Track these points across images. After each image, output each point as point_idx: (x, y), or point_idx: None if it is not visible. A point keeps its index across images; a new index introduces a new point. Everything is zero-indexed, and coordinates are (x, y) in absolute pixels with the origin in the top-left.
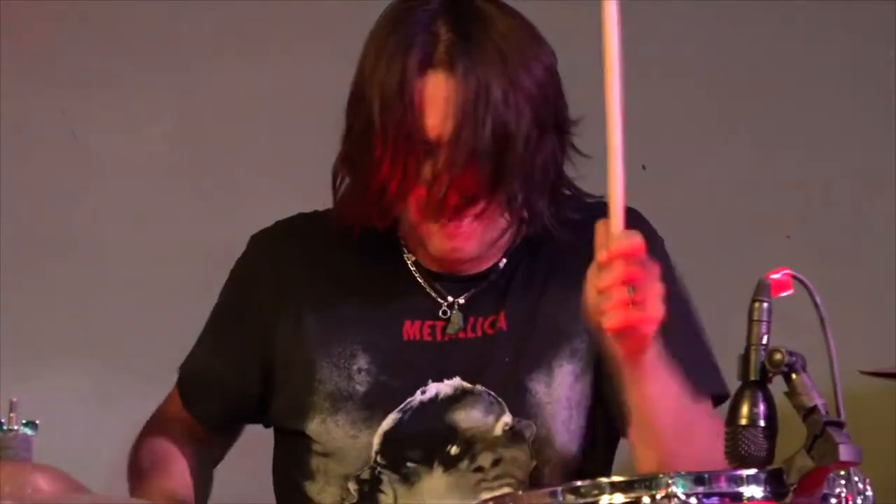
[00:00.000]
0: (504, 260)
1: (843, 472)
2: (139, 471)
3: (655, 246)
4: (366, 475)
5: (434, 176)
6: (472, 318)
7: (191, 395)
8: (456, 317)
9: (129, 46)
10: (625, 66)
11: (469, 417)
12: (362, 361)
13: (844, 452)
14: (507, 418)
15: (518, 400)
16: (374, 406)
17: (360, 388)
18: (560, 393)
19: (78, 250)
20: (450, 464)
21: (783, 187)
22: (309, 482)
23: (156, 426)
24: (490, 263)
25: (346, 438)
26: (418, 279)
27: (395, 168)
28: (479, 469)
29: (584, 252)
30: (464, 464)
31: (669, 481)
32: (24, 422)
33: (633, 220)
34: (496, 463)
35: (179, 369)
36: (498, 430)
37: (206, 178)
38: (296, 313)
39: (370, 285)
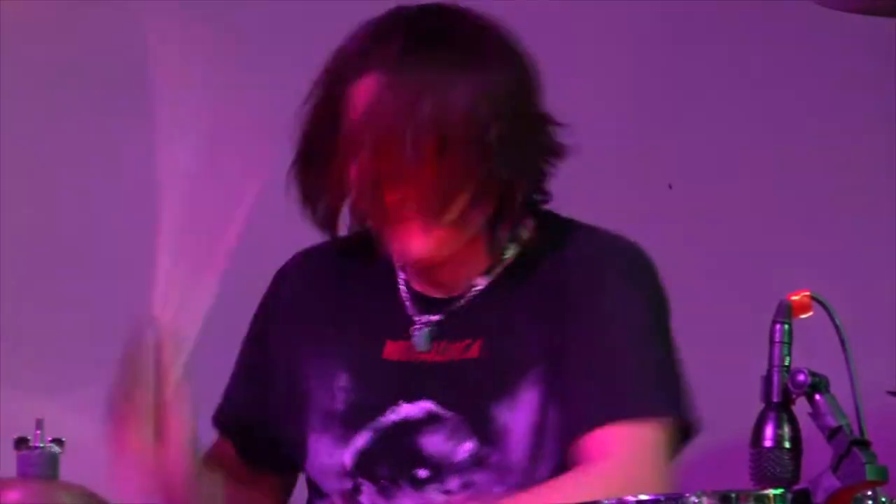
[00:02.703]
0: (479, 283)
1: (869, 492)
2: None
3: (611, 282)
4: (347, 485)
5: (361, 176)
6: (444, 342)
7: (243, 443)
8: (424, 336)
9: (152, 63)
10: (652, 86)
11: (433, 442)
12: (342, 379)
13: (871, 472)
14: (469, 444)
15: (482, 426)
16: (349, 423)
17: (339, 406)
18: (525, 419)
19: (106, 266)
20: (419, 486)
21: (808, 208)
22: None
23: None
24: (467, 286)
25: (327, 456)
26: (403, 299)
27: (332, 171)
28: (448, 492)
29: (557, 283)
30: (433, 486)
31: (695, 500)
32: (50, 439)
33: (596, 253)
34: (465, 486)
35: (220, 416)
36: (461, 456)
37: (233, 198)
38: (294, 336)
39: (362, 305)
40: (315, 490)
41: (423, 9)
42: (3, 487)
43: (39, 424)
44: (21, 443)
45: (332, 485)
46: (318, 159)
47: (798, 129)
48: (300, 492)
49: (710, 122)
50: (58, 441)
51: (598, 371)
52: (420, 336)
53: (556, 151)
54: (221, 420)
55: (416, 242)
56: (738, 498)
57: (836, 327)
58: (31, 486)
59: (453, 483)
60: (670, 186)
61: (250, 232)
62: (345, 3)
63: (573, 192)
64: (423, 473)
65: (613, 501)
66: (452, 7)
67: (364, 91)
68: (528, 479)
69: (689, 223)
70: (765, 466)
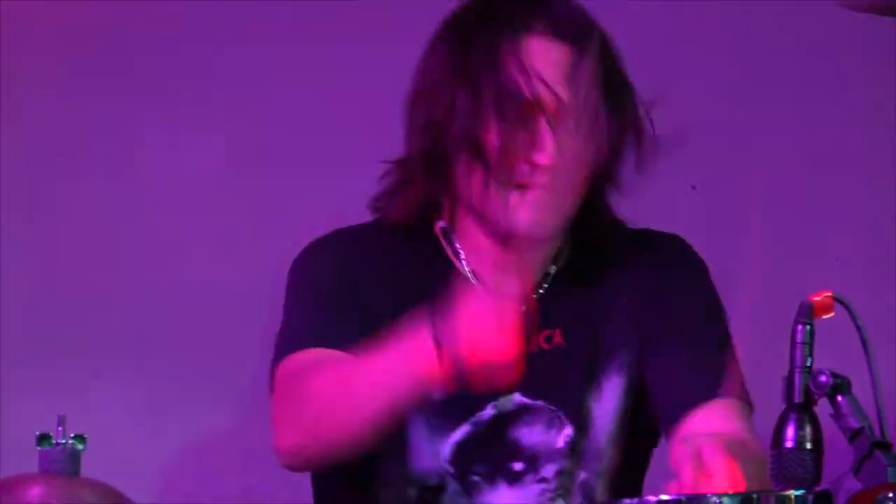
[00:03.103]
0: (553, 268)
1: (891, 494)
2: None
3: (698, 274)
4: (432, 482)
5: (532, 138)
6: (528, 333)
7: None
8: None
9: (181, 62)
10: (677, 87)
11: (532, 433)
12: None
13: (893, 474)
14: (568, 430)
15: (576, 413)
16: (448, 415)
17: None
18: (609, 406)
19: (129, 264)
20: (514, 479)
21: (831, 208)
22: (357, 483)
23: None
24: (540, 273)
25: (421, 443)
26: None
27: (510, 132)
28: (543, 479)
29: (628, 272)
30: (528, 477)
31: (717, 500)
32: (72, 436)
33: (675, 246)
34: (559, 473)
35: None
36: (560, 443)
37: (258, 194)
38: (380, 313)
39: (435, 296)
40: (357, 465)
41: None
42: (25, 483)
43: (61, 421)
44: (43, 439)
45: (419, 469)
46: (449, 118)
47: (824, 128)
48: (301, 490)
49: (733, 122)
50: (80, 437)
51: (708, 354)
52: None
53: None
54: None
55: (539, 214)
56: (759, 499)
57: (858, 328)
58: (52, 482)
59: (549, 471)
60: (694, 187)
61: (292, 244)
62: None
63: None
64: (518, 466)
65: (635, 501)
66: None
67: (548, 56)
68: (604, 465)
69: (711, 224)
70: (786, 467)
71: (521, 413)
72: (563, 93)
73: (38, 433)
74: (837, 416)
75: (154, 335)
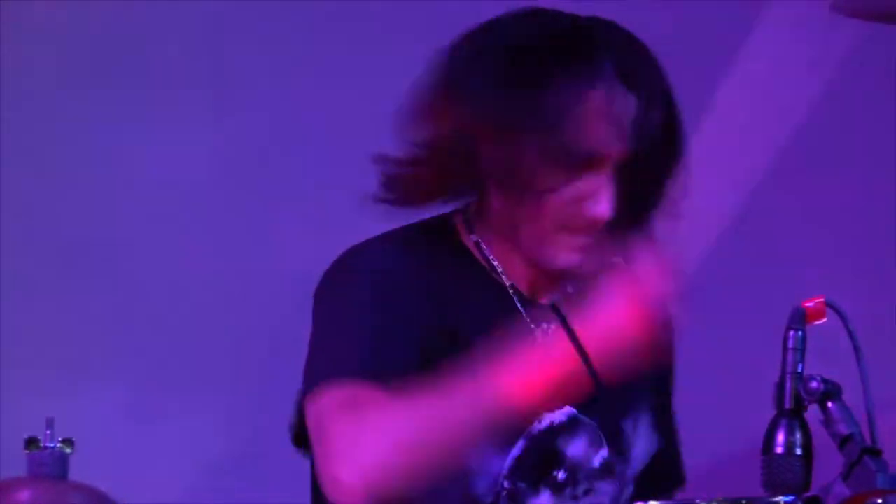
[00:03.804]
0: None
1: (880, 501)
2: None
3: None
4: (488, 500)
5: (589, 189)
6: None
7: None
8: None
9: (169, 63)
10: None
11: (576, 446)
12: None
13: (882, 480)
14: (604, 452)
15: (614, 435)
16: (507, 433)
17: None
18: (644, 438)
19: (116, 268)
20: (556, 489)
21: (823, 214)
22: None
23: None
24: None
25: (483, 465)
26: (518, 306)
27: (572, 183)
28: (575, 497)
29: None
30: (568, 489)
31: None
32: (60, 439)
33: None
34: (587, 493)
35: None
36: (596, 462)
37: (245, 197)
38: (439, 329)
39: (481, 312)
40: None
41: (608, 23)
42: (13, 487)
43: (50, 424)
44: (31, 443)
45: (479, 489)
46: (539, 167)
47: (815, 132)
48: (291, 494)
49: (722, 125)
50: (67, 441)
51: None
52: None
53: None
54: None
55: (585, 258)
56: None
57: (850, 334)
58: (41, 485)
59: (581, 487)
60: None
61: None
62: (354, 3)
63: None
64: (561, 476)
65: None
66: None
67: (607, 107)
68: (630, 492)
69: (703, 229)
70: (776, 473)
71: (570, 425)
72: (626, 144)
73: (26, 437)
74: (828, 422)
75: (142, 339)
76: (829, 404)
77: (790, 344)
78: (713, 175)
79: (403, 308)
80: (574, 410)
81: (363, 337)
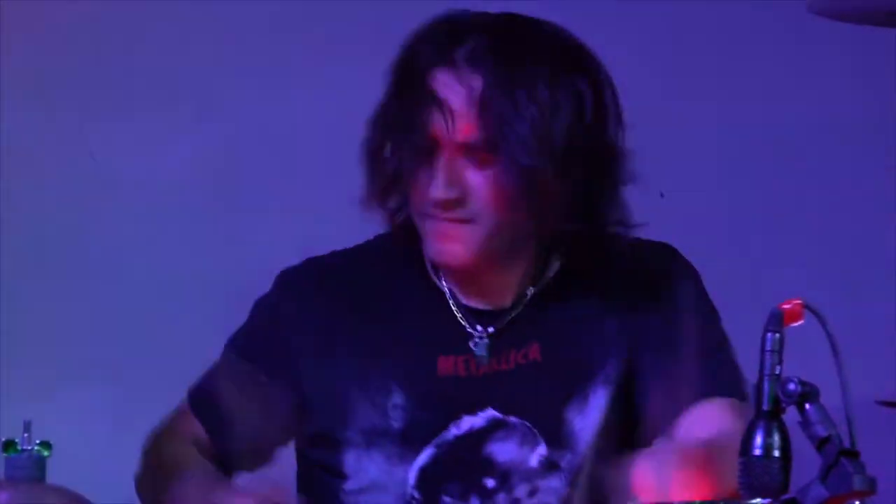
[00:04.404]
0: (531, 289)
1: (857, 502)
2: (165, 469)
3: (687, 283)
4: None
5: (433, 172)
6: (503, 350)
7: (216, 429)
8: (485, 347)
9: (148, 69)
10: (644, 94)
11: (504, 450)
12: (397, 398)
13: (859, 482)
14: (542, 449)
15: (554, 430)
16: (409, 441)
17: (396, 424)
18: (594, 419)
19: (95, 271)
20: (486, 496)
21: (801, 215)
22: None
23: (169, 441)
24: (517, 295)
25: (381, 474)
26: (453, 310)
27: (405, 163)
28: (516, 501)
29: (619, 286)
30: (500, 496)
31: None
32: (38, 442)
33: (665, 256)
34: (532, 493)
35: (195, 396)
36: (534, 462)
37: (225, 203)
38: (327, 352)
39: (405, 318)
40: (332, 499)
41: (500, 14)
42: None
43: (27, 427)
44: (8, 446)
45: (386, 500)
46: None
47: (792, 135)
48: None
49: (702, 129)
50: (45, 444)
51: (698, 361)
52: (481, 347)
53: (625, 178)
54: (199, 402)
55: (442, 245)
56: None
57: (828, 336)
58: (17, 489)
59: (521, 490)
60: (662, 195)
61: (259, 254)
62: (352, 2)
63: None
64: (490, 483)
65: None
66: (527, 16)
67: (440, 88)
68: (595, 479)
69: (680, 232)
70: (754, 475)
71: (494, 429)
72: (465, 126)
73: (3, 440)
74: (805, 424)
75: (121, 341)
76: (807, 406)
77: (768, 346)
78: (692, 175)
79: (272, 345)
80: (495, 413)
81: (240, 352)
